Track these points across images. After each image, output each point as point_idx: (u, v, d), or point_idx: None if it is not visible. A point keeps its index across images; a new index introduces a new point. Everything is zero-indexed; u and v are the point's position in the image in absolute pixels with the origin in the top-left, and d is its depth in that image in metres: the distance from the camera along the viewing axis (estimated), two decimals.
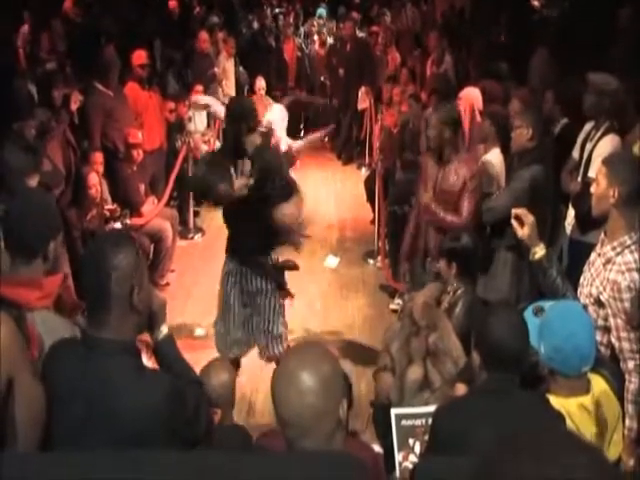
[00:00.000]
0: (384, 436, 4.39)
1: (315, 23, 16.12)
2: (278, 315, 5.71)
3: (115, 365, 2.58)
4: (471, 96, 6.98)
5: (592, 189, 3.99)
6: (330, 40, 14.57)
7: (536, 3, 9.53)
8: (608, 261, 3.80)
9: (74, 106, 7.85)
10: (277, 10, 17.86)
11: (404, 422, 3.79)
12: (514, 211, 3.98)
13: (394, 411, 3.88)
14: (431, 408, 3.59)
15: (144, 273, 2.74)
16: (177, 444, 2.57)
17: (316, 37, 14.77)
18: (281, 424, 2.34)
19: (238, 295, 5.73)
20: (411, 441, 3.70)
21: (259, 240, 5.61)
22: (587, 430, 3.08)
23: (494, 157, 5.95)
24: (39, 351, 2.93)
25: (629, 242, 3.76)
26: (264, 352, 5.77)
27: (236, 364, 5.69)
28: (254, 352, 5.90)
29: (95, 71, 8.31)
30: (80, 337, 2.73)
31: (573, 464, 1.28)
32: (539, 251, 3.88)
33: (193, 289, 7.92)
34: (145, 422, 2.49)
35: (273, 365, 5.16)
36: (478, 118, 6.77)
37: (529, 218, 3.92)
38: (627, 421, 3.56)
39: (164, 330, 2.93)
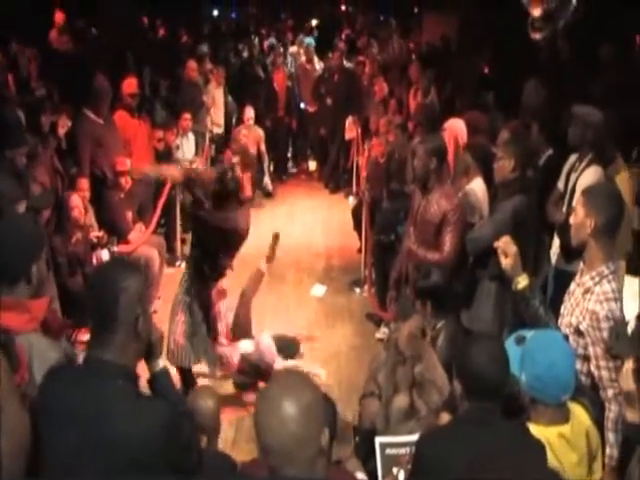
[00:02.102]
0: (366, 462, 4.40)
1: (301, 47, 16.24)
2: None
3: (115, 391, 2.60)
4: (455, 127, 7.03)
5: (571, 219, 4.04)
6: (316, 59, 14.67)
7: (537, 36, 9.63)
8: (587, 291, 3.84)
9: (62, 131, 7.90)
10: (271, 41, 18.00)
11: (388, 451, 3.81)
12: (496, 243, 4.03)
13: (378, 439, 3.90)
14: (415, 437, 3.61)
15: (148, 301, 2.78)
16: (172, 473, 2.58)
17: (303, 57, 14.85)
18: (263, 452, 2.35)
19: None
20: (395, 470, 3.72)
21: None
22: (567, 459, 3.11)
23: (476, 186, 6.01)
24: (28, 374, 2.95)
25: (607, 272, 3.81)
26: None
27: None
28: None
29: (86, 98, 8.35)
30: (84, 357, 2.74)
31: None
32: (522, 281, 3.93)
33: None
34: (141, 449, 2.51)
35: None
36: (461, 150, 6.82)
37: (512, 248, 3.96)
38: (607, 449, 3.60)
39: (161, 363, 2.96)
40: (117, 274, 2.69)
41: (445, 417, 3.94)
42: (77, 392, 2.60)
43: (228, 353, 6.41)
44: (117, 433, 2.52)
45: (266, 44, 17.79)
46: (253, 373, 6.33)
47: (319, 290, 8.88)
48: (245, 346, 6.56)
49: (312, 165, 14.66)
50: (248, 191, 7.17)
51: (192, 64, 11.79)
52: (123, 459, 2.50)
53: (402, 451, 3.81)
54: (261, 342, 6.51)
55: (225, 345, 6.44)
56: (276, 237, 7.09)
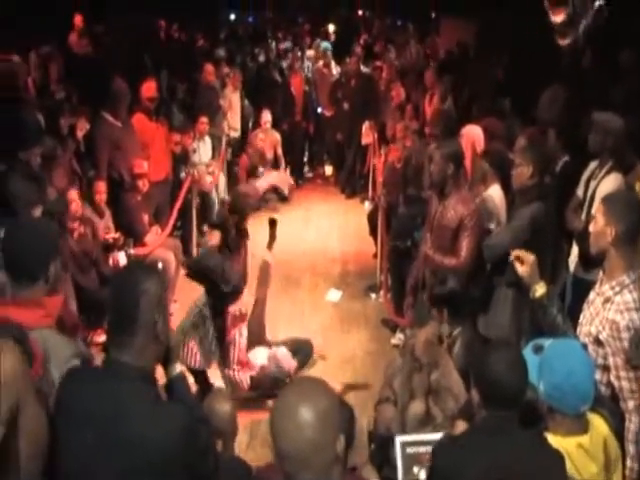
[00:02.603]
0: (381, 468, 4.39)
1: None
2: None
3: (134, 393, 2.60)
4: (472, 134, 7.01)
5: (590, 227, 4.01)
6: (333, 64, 14.70)
7: (563, 42, 9.61)
8: (607, 300, 3.80)
9: (80, 133, 7.94)
10: (286, 45, 18.03)
11: (409, 450, 3.81)
12: (513, 253, 4.01)
13: (399, 439, 3.89)
14: (436, 435, 3.59)
15: (167, 305, 2.79)
16: (188, 478, 2.58)
17: (320, 62, 14.88)
18: (279, 457, 2.34)
19: None
20: (416, 469, 3.71)
21: None
22: (586, 470, 3.07)
23: (494, 192, 5.99)
24: (42, 369, 2.96)
25: (627, 281, 3.77)
26: None
27: None
28: None
29: (104, 101, 8.39)
30: (103, 359, 2.74)
31: None
32: (539, 289, 3.90)
33: None
34: (159, 453, 2.50)
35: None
36: (478, 156, 6.80)
37: (529, 257, 3.94)
38: (628, 461, 3.55)
39: (178, 368, 2.95)
40: (138, 277, 2.69)
41: (461, 425, 3.92)
42: (95, 393, 2.61)
43: (239, 378, 6.41)
44: (135, 436, 2.52)
45: (281, 47, 17.81)
46: (269, 387, 6.30)
47: (335, 295, 8.87)
48: (260, 355, 6.55)
49: (328, 170, 14.65)
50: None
51: (210, 68, 11.82)
52: (140, 462, 2.50)
53: (422, 450, 3.80)
54: (277, 352, 6.50)
55: (236, 371, 6.43)
56: (272, 222, 7.10)
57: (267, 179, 8.06)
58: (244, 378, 6.31)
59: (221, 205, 6.68)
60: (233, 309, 6.45)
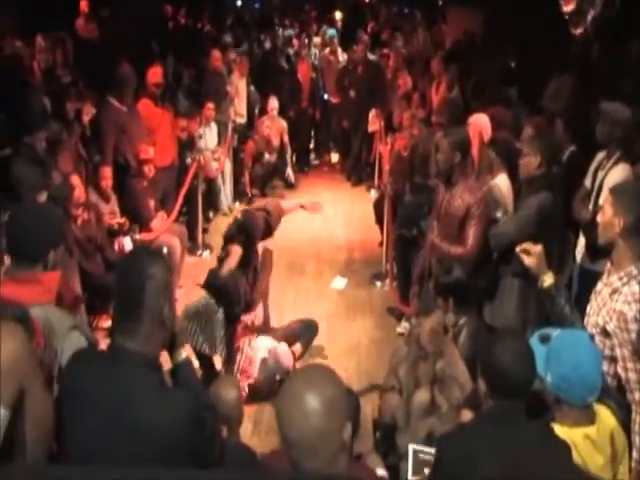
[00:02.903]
0: (386, 456, 4.39)
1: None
2: None
3: (139, 380, 2.59)
4: (479, 122, 6.98)
5: (598, 217, 3.98)
6: (340, 51, 14.69)
7: (577, 31, 9.57)
8: (614, 291, 3.78)
9: (86, 118, 7.92)
10: (289, 32, 17.97)
11: (421, 456, 3.84)
12: (519, 247, 3.99)
13: (412, 446, 3.90)
14: None
15: (173, 291, 2.77)
16: (194, 465, 2.57)
17: (327, 49, 14.88)
18: (285, 445, 2.34)
19: None
20: (427, 470, 3.70)
21: None
22: (592, 461, 3.07)
23: (500, 181, 5.97)
24: (44, 340, 2.97)
25: (635, 272, 3.74)
26: None
27: None
28: None
29: (110, 86, 8.37)
30: (108, 345, 2.72)
31: None
32: (547, 280, 3.89)
33: None
34: (165, 440, 2.50)
35: None
36: (485, 145, 6.78)
37: (536, 248, 3.92)
38: (634, 453, 3.53)
39: (183, 353, 2.93)
40: (144, 262, 2.68)
41: (466, 414, 3.92)
42: (101, 380, 2.59)
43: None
44: (141, 423, 2.51)
45: (285, 34, 17.73)
46: (266, 394, 6.22)
47: (340, 283, 8.87)
48: (262, 345, 6.53)
49: (334, 157, 14.65)
50: None
51: (217, 53, 11.77)
52: (146, 448, 2.49)
53: (432, 458, 3.80)
54: (278, 347, 6.48)
55: (238, 379, 6.40)
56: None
57: (297, 202, 8.03)
58: (244, 386, 6.25)
59: (244, 219, 6.63)
60: (246, 318, 6.52)
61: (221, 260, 6.46)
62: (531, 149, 5.49)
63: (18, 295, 3.07)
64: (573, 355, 3.14)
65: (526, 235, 4.75)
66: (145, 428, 2.51)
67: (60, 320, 3.18)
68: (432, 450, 3.87)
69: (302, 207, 7.82)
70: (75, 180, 7.18)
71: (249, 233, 6.51)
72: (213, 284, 6.29)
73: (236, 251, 6.36)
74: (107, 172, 7.76)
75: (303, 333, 6.78)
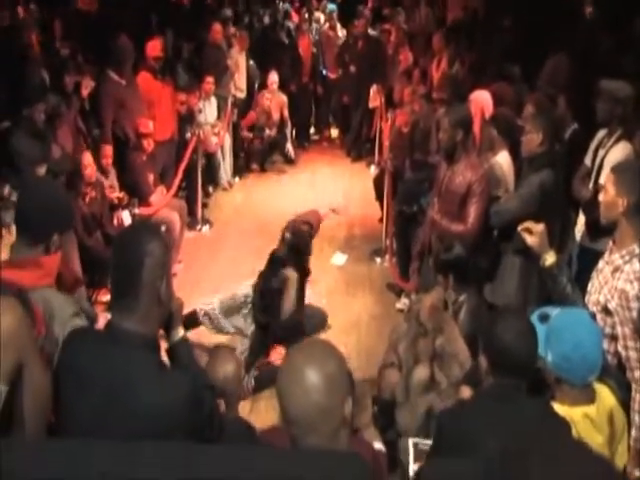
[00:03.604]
0: (385, 431, 4.40)
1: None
2: None
3: (137, 360, 2.56)
4: (481, 99, 6.94)
5: (600, 197, 3.97)
6: (339, 26, 14.63)
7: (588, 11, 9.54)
8: (616, 269, 3.78)
9: (85, 92, 7.87)
10: (285, 6, 17.80)
11: (421, 446, 3.84)
12: (521, 226, 3.98)
13: (412, 440, 3.92)
14: None
15: (170, 269, 2.74)
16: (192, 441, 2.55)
17: (326, 24, 14.82)
18: (285, 421, 2.33)
19: None
20: None
21: None
22: (591, 440, 3.06)
23: (501, 159, 5.94)
24: (45, 328, 2.96)
25: (638, 250, 3.74)
26: None
27: None
28: None
29: (109, 59, 8.32)
30: (106, 323, 2.69)
31: (587, 473, 1.27)
32: (549, 258, 3.88)
33: (200, 280, 7.92)
34: (163, 421, 2.47)
35: None
36: (487, 122, 6.74)
37: (538, 227, 3.91)
38: (633, 431, 3.54)
39: (180, 332, 2.89)
40: (142, 237, 2.63)
41: (466, 390, 3.93)
42: (98, 359, 2.56)
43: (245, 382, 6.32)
44: (139, 403, 2.48)
45: (283, 8, 17.56)
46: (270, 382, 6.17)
47: (340, 259, 8.87)
48: None
49: (334, 133, 14.61)
50: None
51: (217, 27, 11.68)
52: (143, 428, 2.46)
53: None
54: None
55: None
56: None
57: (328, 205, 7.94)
58: (249, 381, 6.18)
59: (293, 239, 6.38)
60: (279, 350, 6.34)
61: (266, 278, 6.30)
62: (533, 126, 5.46)
63: (19, 278, 3.05)
64: (574, 334, 3.13)
65: (527, 213, 4.74)
66: (143, 409, 2.48)
67: (62, 307, 3.15)
68: (430, 441, 3.91)
69: (333, 211, 7.71)
70: (87, 159, 7.17)
71: (301, 253, 6.38)
72: (285, 328, 6.15)
73: (292, 279, 6.23)
74: (108, 150, 7.74)
75: (313, 315, 6.77)
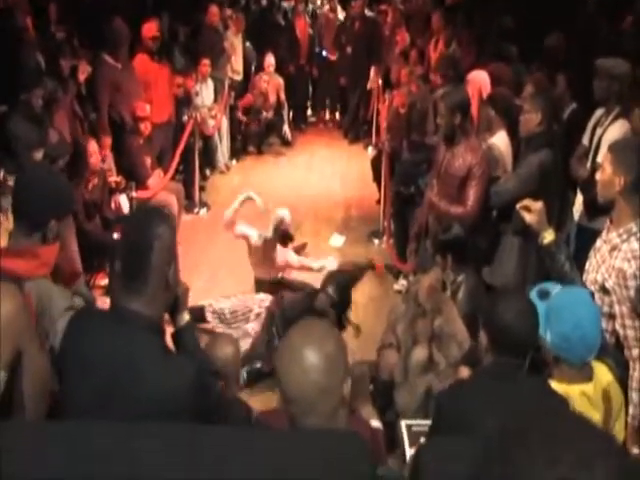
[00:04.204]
0: (384, 411, 4.41)
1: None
2: None
3: (142, 343, 2.53)
4: (479, 79, 6.92)
5: (597, 175, 3.96)
6: (339, 8, 14.59)
7: None
8: (614, 248, 3.78)
9: (82, 76, 7.84)
10: None
11: (414, 428, 3.85)
12: (519, 204, 3.97)
13: (404, 422, 3.92)
14: None
15: (177, 253, 2.73)
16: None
17: (326, 6, 14.77)
18: (284, 400, 2.34)
19: None
20: (422, 440, 3.72)
21: None
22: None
23: (499, 140, 5.93)
24: (34, 319, 2.94)
25: (635, 229, 3.73)
26: None
27: None
28: None
29: (104, 43, 8.28)
30: (110, 306, 2.67)
31: (589, 448, 1.27)
32: (548, 236, 3.87)
33: (198, 263, 7.91)
34: (167, 405, 2.44)
35: None
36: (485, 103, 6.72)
37: (536, 204, 3.91)
38: (630, 409, 3.55)
39: (186, 317, 2.87)
40: (152, 220, 2.62)
41: (464, 371, 3.94)
42: (104, 339, 2.54)
43: None
44: (143, 387, 2.46)
45: None
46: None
47: (337, 240, 8.87)
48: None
49: (331, 114, 14.56)
50: None
51: (214, 9, 11.62)
52: (149, 413, 2.45)
53: (427, 429, 3.82)
54: None
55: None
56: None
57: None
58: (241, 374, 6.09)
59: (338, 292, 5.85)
60: None
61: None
62: (532, 106, 5.45)
63: (15, 267, 3.03)
64: (574, 314, 3.13)
65: (526, 193, 4.73)
66: (147, 392, 2.46)
67: (57, 300, 3.11)
68: (423, 422, 3.91)
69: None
70: (92, 147, 7.16)
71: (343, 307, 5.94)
72: None
73: None
74: (107, 141, 7.73)
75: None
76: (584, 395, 3.13)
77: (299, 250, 8.11)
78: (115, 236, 6.65)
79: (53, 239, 3.31)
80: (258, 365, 5.94)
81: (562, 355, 3.15)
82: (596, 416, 3.13)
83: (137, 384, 2.48)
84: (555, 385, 3.07)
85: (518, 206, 3.99)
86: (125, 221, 3.21)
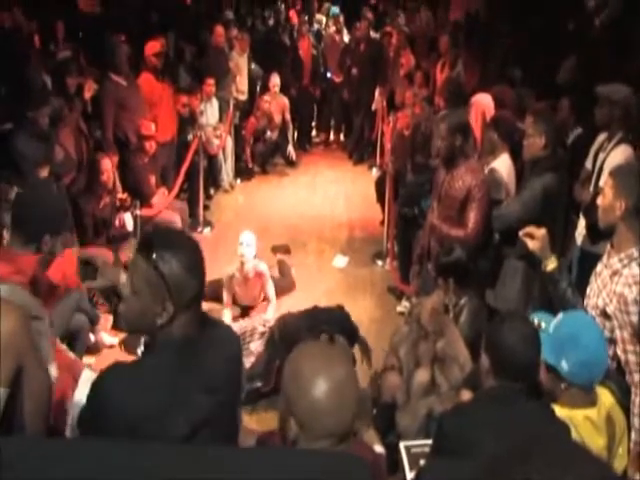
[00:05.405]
0: (385, 435, 4.40)
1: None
2: None
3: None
4: (482, 102, 6.94)
5: (598, 200, 3.96)
6: (344, 30, 14.69)
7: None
8: (615, 273, 3.78)
9: (88, 94, 7.88)
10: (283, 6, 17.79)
11: (413, 450, 3.83)
12: (522, 231, 3.98)
13: (402, 444, 3.91)
14: None
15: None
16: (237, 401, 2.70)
17: (332, 28, 14.85)
18: (293, 424, 2.34)
19: None
20: (422, 462, 3.71)
21: None
22: (593, 442, 3.07)
23: (501, 163, 5.93)
24: None
25: (636, 254, 3.73)
26: None
27: None
28: None
29: (108, 61, 8.32)
30: None
31: (587, 474, 1.28)
32: (551, 263, 3.88)
33: None
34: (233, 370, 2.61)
35: None
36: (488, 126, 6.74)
37: (540, 232, 3.91)
38: (633, 434, 3.53)
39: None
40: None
41: (466, 394, 3.94)
42: None
43: None
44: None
45: (283, 10, 17.52)
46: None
47: (341, 261, 8.86)
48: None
49: (336, 136, 14.60)
50: None
51: (220, 29, 11.70)
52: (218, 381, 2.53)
53: (426, 449, 3.81)
54: None
55: None
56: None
57: None
58: None
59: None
60: None
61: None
62: (535, 130, 5.45)
63: None
64: (590, 339, 3.15)
65: (530, 217, 4.75)
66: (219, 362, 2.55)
67: (24, 304, 3.10)
68: (422, 442, 3.90)
69: None
70: (106, 164, 7.19)
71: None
72: None
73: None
74: (113, 159, 7.68)
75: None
76: (588, 420, 3.13)
77: (283, 253, 8.26)
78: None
79: (49, 253, 3.36)
80: (258, 384, 5.92)
81: (578, 382, 3.14)
82: (600, 441, 3.13)
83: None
84: (558, 410, 3.06)
85: (521, 233, 4.00)
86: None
